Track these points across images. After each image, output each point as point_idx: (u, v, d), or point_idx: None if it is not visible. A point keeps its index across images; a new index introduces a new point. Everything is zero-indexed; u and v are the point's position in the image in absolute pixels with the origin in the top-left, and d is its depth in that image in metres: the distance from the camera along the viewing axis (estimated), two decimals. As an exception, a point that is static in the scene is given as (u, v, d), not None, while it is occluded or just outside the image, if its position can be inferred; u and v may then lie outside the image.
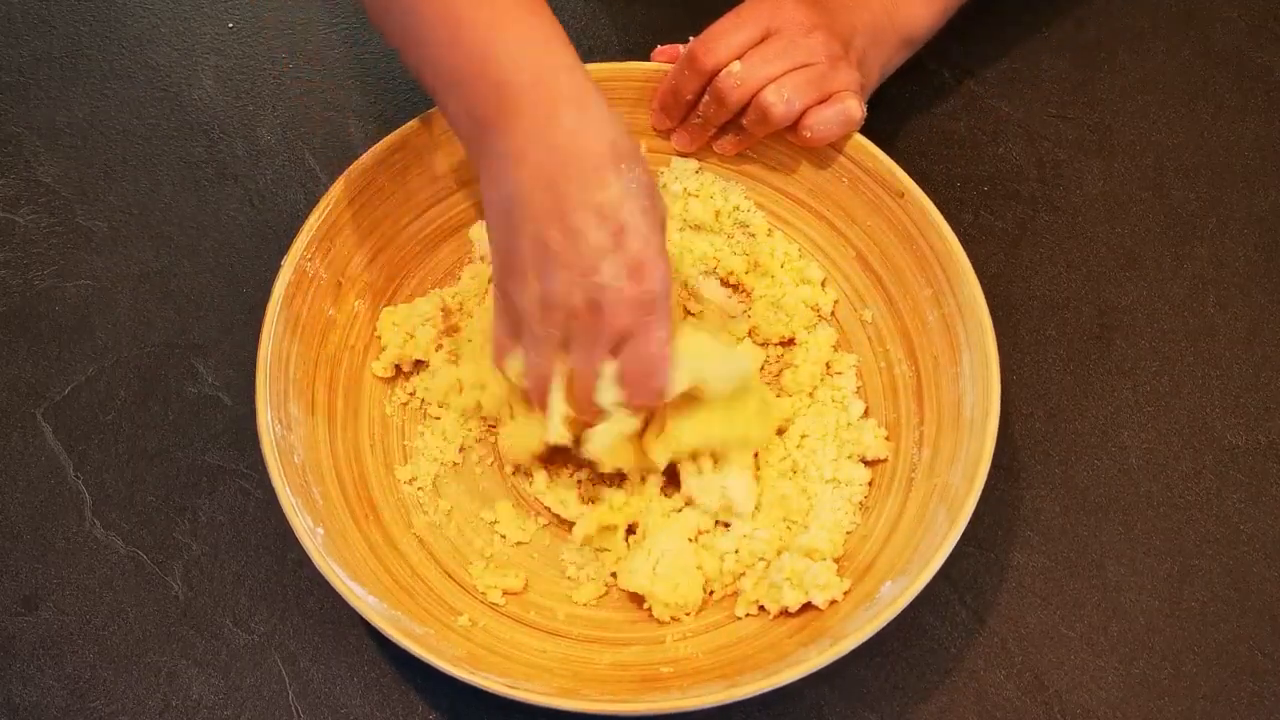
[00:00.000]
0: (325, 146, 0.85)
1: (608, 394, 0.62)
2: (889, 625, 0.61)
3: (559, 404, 0.63)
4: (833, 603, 0.65)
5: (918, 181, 0.72)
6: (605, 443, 0.65)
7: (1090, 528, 0.73)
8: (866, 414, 0.73)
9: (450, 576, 0.70)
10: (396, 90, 0.88)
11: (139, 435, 0.76)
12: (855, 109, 0.71)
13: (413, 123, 0.74)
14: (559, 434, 0.64)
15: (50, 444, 0.76)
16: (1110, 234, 0.82)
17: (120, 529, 0.73)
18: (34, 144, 0.86)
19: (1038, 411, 0.76)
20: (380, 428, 0.74)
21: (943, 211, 0.71)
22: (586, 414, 0.63)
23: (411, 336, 0.74)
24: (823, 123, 0.71)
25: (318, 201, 0.72)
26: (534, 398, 0.64)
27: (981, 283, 0.69)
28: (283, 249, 0.71)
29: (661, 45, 0.76)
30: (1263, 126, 0.85)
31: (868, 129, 0.73)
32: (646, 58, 0.77)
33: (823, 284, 0.76)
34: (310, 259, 0.71)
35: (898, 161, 0.72)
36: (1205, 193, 0.83)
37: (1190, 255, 0.81)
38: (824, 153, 0.74)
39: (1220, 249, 0.81)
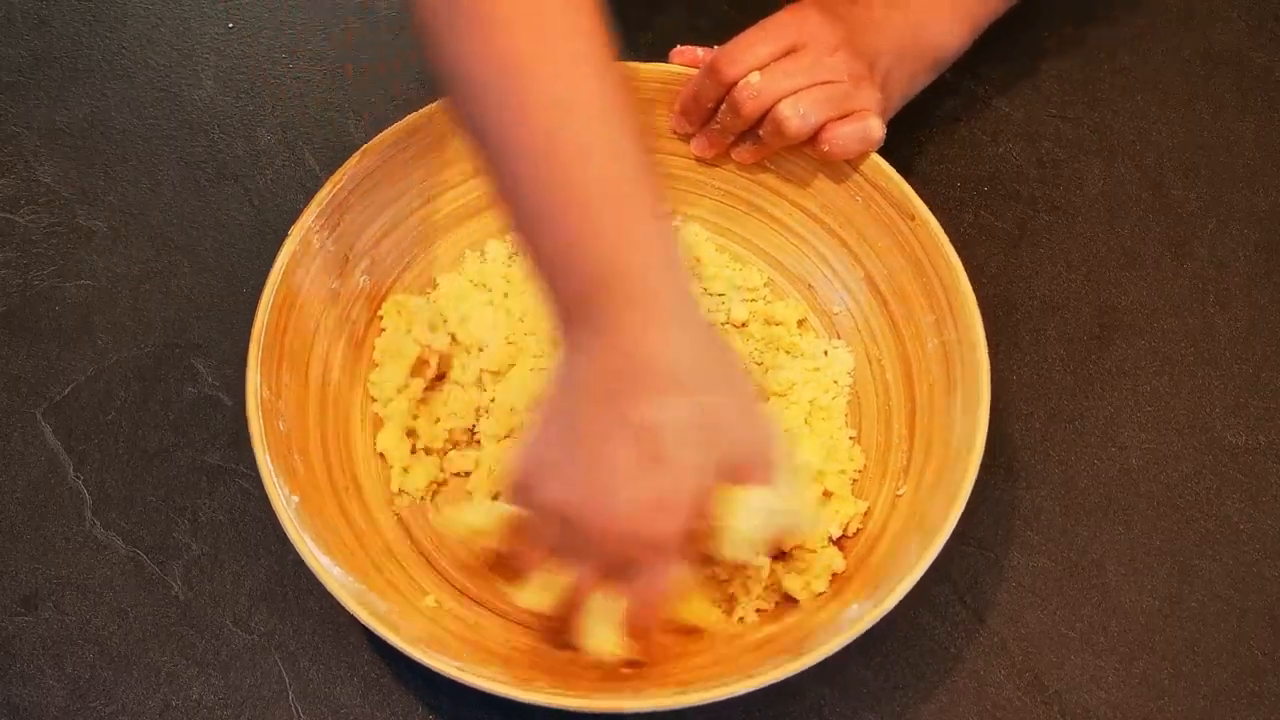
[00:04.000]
0: (325, 146, 0.85)
1: (597, 629, 0.60)
2: (887, 626, 0.61)
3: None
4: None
5: (918, 182, 0.72)
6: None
7: (1090, 528, 0.73)
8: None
9: (424, 557, 0.70)
10: (396, 90, 0.88)
11: (139, 435, 0.76)
12: (876, 128, 0.71)
13: (430, 108, 0.74)
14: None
15: (50, 444, 0.76)
16: (1110, 234, 0.82)
17: (120, 529, 0.73)
18: (34, 144, 0.86)
19: (1037, 411, 0.76)
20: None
21: (943, 211, 0.71)
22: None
23: (408, 330, 0.74)
24: (842, 137, 0.71)
25: (332, 174, 0.72)
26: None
27: (982, 283, 0.69)
28: (283, 249, 0.71)
29: (681, 46, 0.76)
30: (1263, 126, 0.85)
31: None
32: (648, 59, 0.76)
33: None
34: (318, 230, 0.71)
35: (898, 163, 0.72)
36: (1205, 193, 0.83)
37: (1190, 255, 0.81)
38: (840, 169, 0.74)
39: (1220, 249, 0.81)
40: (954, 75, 0.86)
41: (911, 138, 0.84)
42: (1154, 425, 0.75)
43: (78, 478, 0.75)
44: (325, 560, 0.63)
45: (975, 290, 0.68)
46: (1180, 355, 0.78)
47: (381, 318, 0.75)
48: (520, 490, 0.59)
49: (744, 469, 0.57)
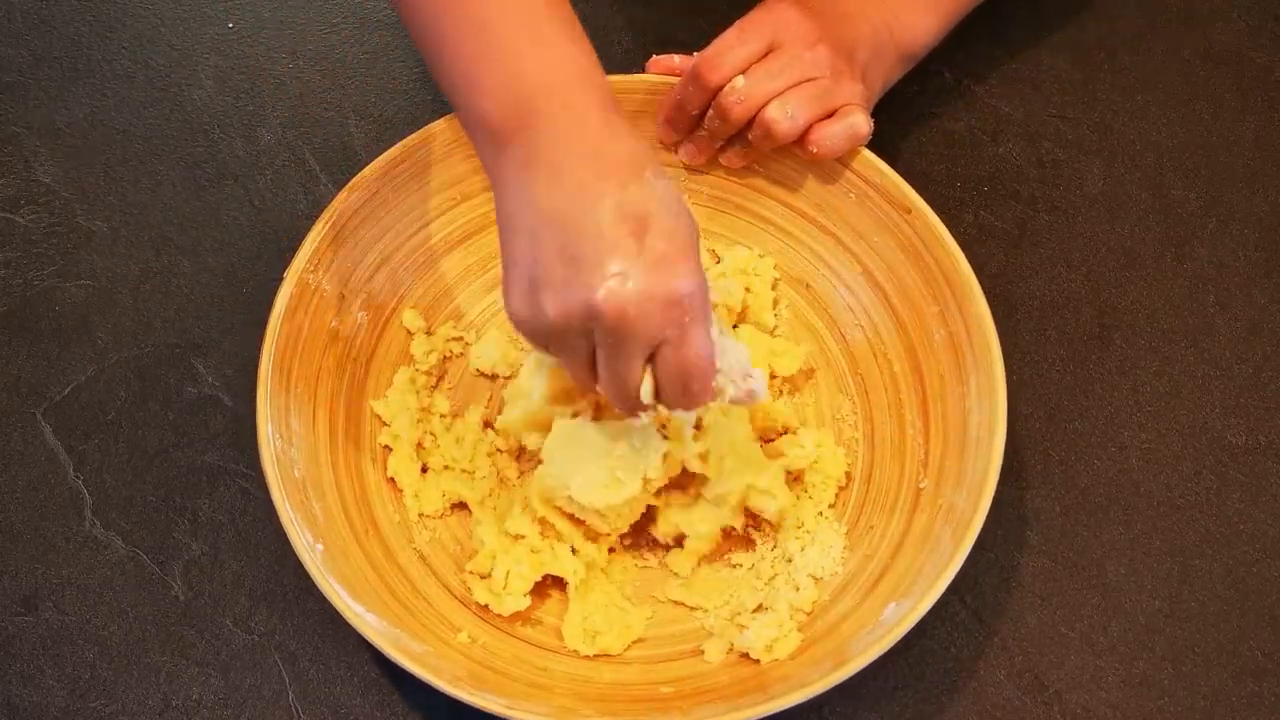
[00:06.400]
0: (325, 146, 0.85)
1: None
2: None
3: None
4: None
5: (918, 182, 0.71)
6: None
7: (1090, 528, 0.73)
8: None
9: (450, 592, 0.69)
10: (396, 90, 0.87)
11: (139, 435, 0.76)
12: (862, 124, 0.71)
13: (415, 135, 0.73)
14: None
15: (50, 444, 0.76)
16: (1110, 234, 0.82)
17: (120, 529, 0.73)
18: (34, 144, 0.86)
19: (1038, 412, 0.76)
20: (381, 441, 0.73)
21: (943, 211, 0.71)
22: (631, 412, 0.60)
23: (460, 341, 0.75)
24: (830, 138, 0.70)
25: (320, 212, 0.71)
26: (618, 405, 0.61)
27: (981, 283, 0.68)
28: (283, 249, 0.71)
29: (657, 55, 0.75)
30: (1263, 126, 0.85)
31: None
32: (651, 60, 0.76)
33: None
34: (313, 271, 0.70)
35: (898, 162, 0.72)
36: (1205, 193, 0.83)
37: (1190, 255, 0.81)
38: (831, 167, 0.73)
39: (1220, 249, 0.81)
40: (954, 75, 0.86)
41: (912, 138, 0.84)
42: (1154, 425, 0.76)
43: (78, 478, 0.75)
44: (358, 607, 0.62)
45: (975, 289, 0.69)
46: (1180, 355, 0.78)
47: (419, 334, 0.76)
48: (524, 325, 0.58)
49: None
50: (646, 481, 0.65)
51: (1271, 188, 0.83)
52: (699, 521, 0.69)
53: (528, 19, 0.59)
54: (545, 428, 0.68)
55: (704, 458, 0.67)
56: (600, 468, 0.65)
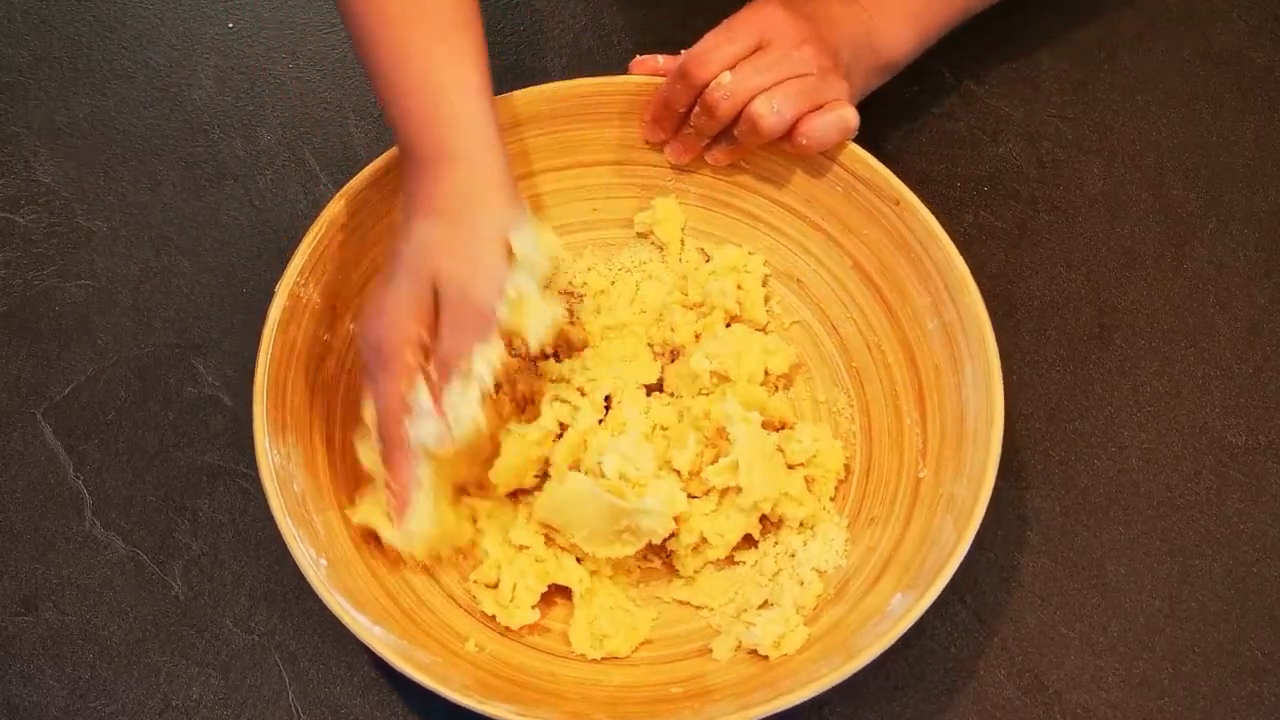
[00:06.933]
0: (325, 146, 0.85)
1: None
2: (891, 629, 0.61)
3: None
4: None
5: (918, 182, 0.72)
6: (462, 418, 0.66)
7: (1090, 528, 0.73)
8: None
9: (455, 601, 0.69)
10: (396, 90, 0.87)
11: (139, 435, 0.76)
12: (851, 116, 0.71)
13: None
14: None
15: (50, 444, 0.76)
16: (1110, 234, 0.82)
17: (120, 529, 0.73)
18: (34, 144, 0.86)
19: (1038, 412, 0.76)
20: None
21: (943, 211, 0.71)
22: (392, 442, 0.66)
23: None
24: (819, 129, 0.70)
25: (309, 226, 0.71)
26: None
27: (981, 283, 0.68)
28: (283, 249, 0.71)
29: (640, 55, 0.75)
30: (1263, 126, 0.85)
31: (865, 129, 0.73)
32: (634, 60, 0.76)
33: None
34: (304, 284, 0.70)
35: (898, 162, 0.72)
36: (1205, 193, 0.83)
37: (1190, 255, 0.81)
38: (818, 161, 0.73)
39: (1220, 249, 0.81)
40: (954, 75, 0.86)
41: (912, 138, 0.84)
42: (1154, 425, 0.76)
43: (78, 478, 0.75)
44: (364, 619, 0.62)
45: (975, 290, 0.69)
46: (1180, 355, 0.78)
47: None
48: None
49: (451, 300, 0.63)
50: (650, 545, 0.68)
51: (1271, 188, 0.83)
52: (727, 530, 0.69)
53: (423, 88, 0.66)
54: (527, 475, 0.71)
55: (734, 469, 0.68)
56: (607, 528, 0.67)
